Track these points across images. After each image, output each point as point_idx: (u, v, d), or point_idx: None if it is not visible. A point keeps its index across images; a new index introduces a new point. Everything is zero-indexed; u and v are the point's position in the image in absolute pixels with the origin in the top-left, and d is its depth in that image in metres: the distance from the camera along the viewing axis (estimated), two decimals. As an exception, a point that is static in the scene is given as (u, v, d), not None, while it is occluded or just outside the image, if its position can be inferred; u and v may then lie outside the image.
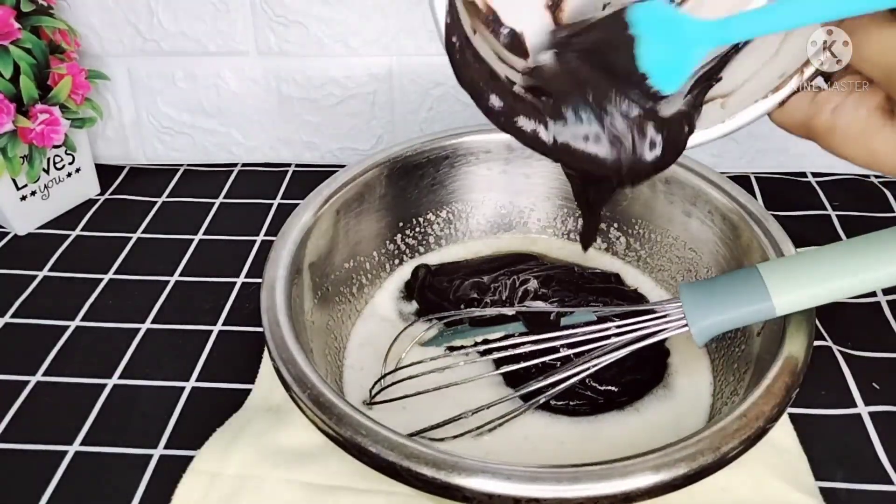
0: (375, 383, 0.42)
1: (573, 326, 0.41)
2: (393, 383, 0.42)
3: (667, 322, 0.37)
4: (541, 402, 0.40)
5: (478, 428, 0.40)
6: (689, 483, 0.30)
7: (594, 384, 0.42)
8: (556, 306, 0.47)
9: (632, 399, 0.43)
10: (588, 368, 0.38)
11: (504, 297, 0.48)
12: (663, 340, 0.45)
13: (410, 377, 0.41)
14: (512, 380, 0.43)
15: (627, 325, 0.38)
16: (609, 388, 0.42)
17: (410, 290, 0.50)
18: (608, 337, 0.38)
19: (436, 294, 0.49)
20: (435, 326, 0.47)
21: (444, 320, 0.47)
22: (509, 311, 0.46)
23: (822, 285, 0.34)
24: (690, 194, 0.48)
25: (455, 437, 0.40)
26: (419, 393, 0.40)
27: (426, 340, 0.46)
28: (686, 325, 0.36)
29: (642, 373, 0.43)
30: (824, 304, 0.35)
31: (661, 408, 0.42)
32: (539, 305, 0.48)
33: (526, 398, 0.41)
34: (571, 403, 0.42)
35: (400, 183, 0.50)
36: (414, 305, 0.50)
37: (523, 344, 0.41)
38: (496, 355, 0.43)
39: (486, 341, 0.45)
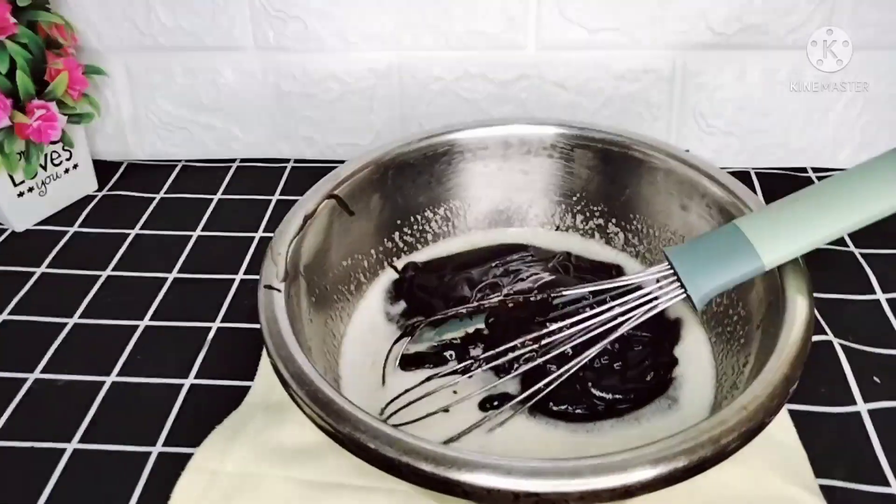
0: (388, 405, 0.41)
1: (567, 306, 0.41)
2: (408, 404, 0.40)
3: (663, 290, 0.37)
4: (545, 392, 0.40)
5: (478, 425, 0.40)
6: (689, 476, 0.30)
7: (594, 390, 0.42)
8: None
9: (633, 407, 0.42)
10: (591, 354, 0.38)
11: (497, 291, 0.48)
12: (672, 348, 0.45)
13: (422, 397, 0.40)
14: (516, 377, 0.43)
15: (625, 303, 0.38)
16: (610, 395, 0.42)
17: (400, 289, 0.50)
18: (609, 317, 0.38)
19: (425, 292, 0.49)
20: (425, 331, 0.46)
21: (430, 320, 0.46)
22: (495, 300, 0.46)
23: (807, 236, 0.36)
24: (688, 188, 0.47)
25: (454, 438, 0.39)
26: (438, 412, 0.39)
27: (419, 338, 0.46)
28: (683, 292, 0.37)
29: (646, 381, 0.43)
30: (809, 251, 0.37)
31: (662, 419, 0.41)
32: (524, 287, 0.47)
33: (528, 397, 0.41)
34: (570, 409, 0.41)
35: (397, 180, 0.50)
36: (402, 306, 0.49)
37: (516, 347, 0.41)
38: (494, 360, 0.42)
39: (477, 331, 0.45)
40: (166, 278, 0.55)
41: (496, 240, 0.54)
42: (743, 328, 0.42)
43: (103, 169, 0.67)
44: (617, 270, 0.51)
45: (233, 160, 0.69)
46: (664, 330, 0.46)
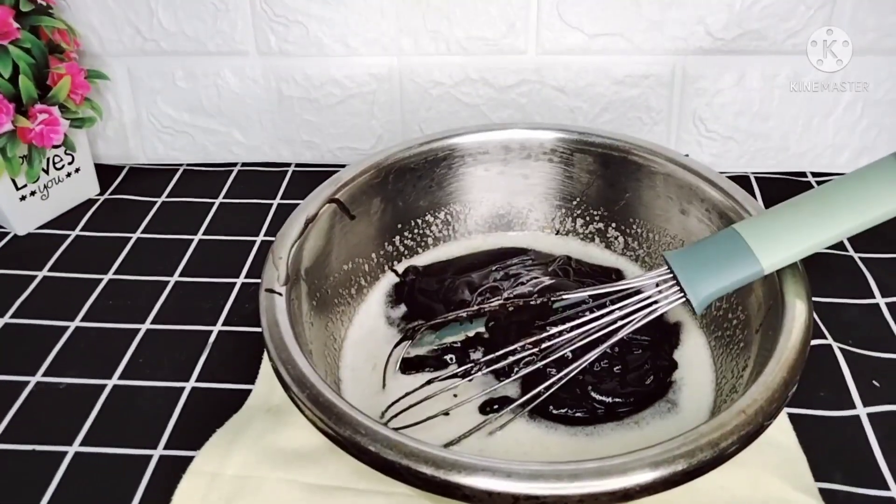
0: (388, 408, 0.41)
1: (567, 310, 0.41)
2: (408, 407, 0.40)
3: (663, 295, 0.37)
4: (544, 396, 0.40)
5: (478, 428, 0.40)
6: (688, 479, 0.30)
7: (594, 394, 0.42)
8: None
9: (633, 411, 0.42)
10: (590, 358, 0.38)
11: (497, 295, 0.48)
12: (671, 352, 0.45)
13: (421, 401, 0.40)
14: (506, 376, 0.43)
15: (625, 307, 0.38)
16: (610, 398, 0.42)
17: (400, 293, 0.50)
18: (608, 321, 0.38)
19: (426, 296, 0.49)
20: (425, 334, 0.46)
21: (430, 323, 0.46)
22: (495, 304, 0.46)
23: (805, 241, 0.36)
24: (687, 193, 0.48)
25: (454, 441, 0.40)
26: (437, 415, 0.40)
27: (420, 341, 0.46)
28: (683, 296, 0.37)
29: (645, 385, 0.43)
30: (807, 255, 0.37)
31: (662, 423, 0.41)
32: (524, 291, 0.47)
33: (529, 401, 0.41)
34: (570, 412, 0.41)
35: (398, 184, 0.50)
36: (402, 309, 0.49)
37: (516, 351, 0.41)
38: (494, 363, 0.42)
39: (477, 335, 0.45)
40: (168, 282, 0.55)
41: (496, 244, 0.54)
42: (742, 332, 0.42)
43: (105, 173, 0.67)
44: (617, 274, 0.51)
45: (234, 164, 0.69)
46: (664, 333, 0.46)
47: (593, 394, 0.42)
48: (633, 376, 0.43)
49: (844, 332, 0.48)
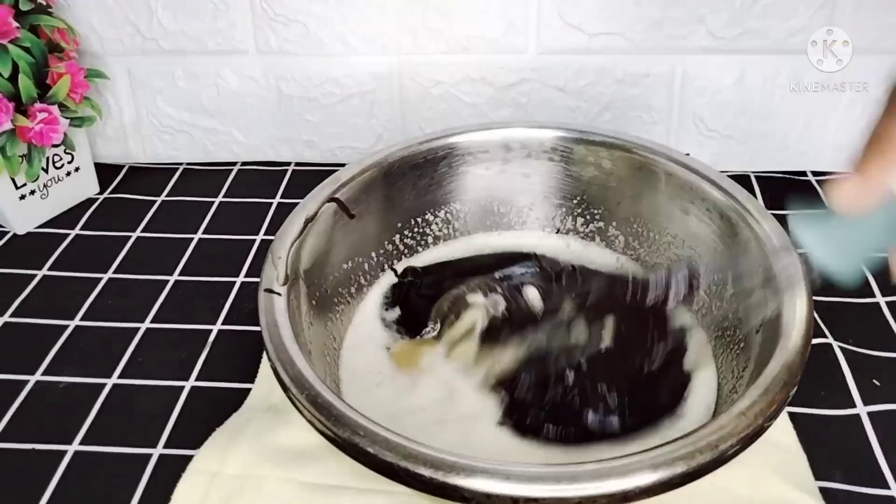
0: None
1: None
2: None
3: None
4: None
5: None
6: (688, 481, 0.30)
7: (591, 411, 0.40)
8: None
9: (638, 428, 0.40)
10: None
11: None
12: (681, 363, 0.44)
13: None
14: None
15: None
16: (613, 416, 0.40)
17: (396, 296, 0.50)
18: None
19: (424, 299, 0.48)
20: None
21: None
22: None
23: None
24: (688, 192, 0.47)
25: None
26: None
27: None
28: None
29: (654, 400, 0.41)
30: None
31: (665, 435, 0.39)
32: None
33: (520, 422, 0.41)
34: (566, 431, 0.40)
35: (398, 183, 0.50)
36: (397, 312, 0.49)
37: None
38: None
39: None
40: (167, 281, 0.55)
41: (497, 243, 0.54)
42: (743, 332, 0.42)
43: (105, 172, 0.67)
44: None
45: (234, 163, 0.69)
46: (672, 352, 0.44)
47: (591, 414, 0.40)
48: (643, 393, 0.41)
49: (844, 331, 0.48)
